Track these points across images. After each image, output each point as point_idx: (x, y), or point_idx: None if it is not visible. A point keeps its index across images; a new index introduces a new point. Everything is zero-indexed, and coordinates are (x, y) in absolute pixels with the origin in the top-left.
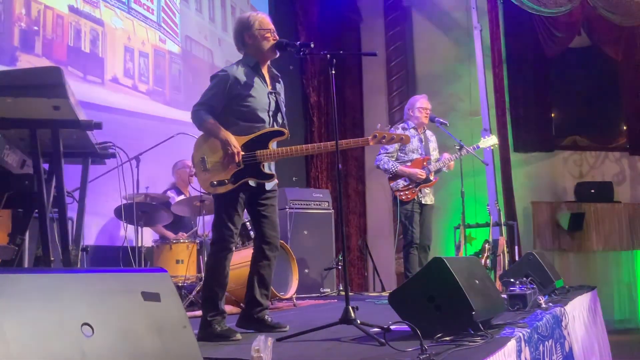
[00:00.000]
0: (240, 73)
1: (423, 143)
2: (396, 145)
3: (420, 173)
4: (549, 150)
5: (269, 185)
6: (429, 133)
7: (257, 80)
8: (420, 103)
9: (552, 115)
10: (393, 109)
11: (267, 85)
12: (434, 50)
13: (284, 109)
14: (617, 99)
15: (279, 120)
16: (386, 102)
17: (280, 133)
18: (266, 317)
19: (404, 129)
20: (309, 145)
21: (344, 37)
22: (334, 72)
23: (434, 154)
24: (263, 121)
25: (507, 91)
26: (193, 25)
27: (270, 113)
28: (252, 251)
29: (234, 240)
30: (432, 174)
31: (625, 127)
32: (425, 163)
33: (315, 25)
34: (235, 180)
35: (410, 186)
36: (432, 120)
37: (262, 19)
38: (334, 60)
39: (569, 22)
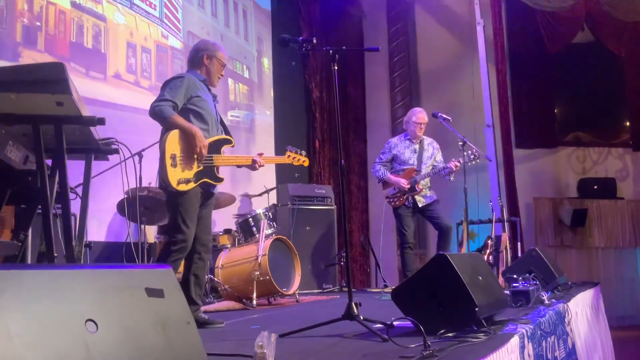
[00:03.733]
0: (196, 79)
1: (417, 154)
2: (389, 156)
3: (404, 183)
4: (551, 146)
5: (216, 189)
6: (427, 142)
7: (206, 89)
8: (416, 118)
9: (555, 111)
10: (396, 105)
11: (211, 97)
12: (436, 45)
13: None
14: (620, 94)
15: (221, 129)
16: (389, 98)
17: (229, 141)
18: (200, 314)
19: (400, 139)
20: (254, 156)
21: (347, 33)
22: (336, 67)
23: (428, 162)
24: (209, 125)
25: (509, 87)
26: (195, 21)
27: (216, 121)
28: (254, 247)
29: (191, 240)
30: (419, 184)
31: (628, 123)
32: (413, 174)
33: (318, 21)
34: (197, 179)
35: (398, 194)
36: (435, 116)
37: (224, 54)
38: (337, 55)
39: (572, 18)
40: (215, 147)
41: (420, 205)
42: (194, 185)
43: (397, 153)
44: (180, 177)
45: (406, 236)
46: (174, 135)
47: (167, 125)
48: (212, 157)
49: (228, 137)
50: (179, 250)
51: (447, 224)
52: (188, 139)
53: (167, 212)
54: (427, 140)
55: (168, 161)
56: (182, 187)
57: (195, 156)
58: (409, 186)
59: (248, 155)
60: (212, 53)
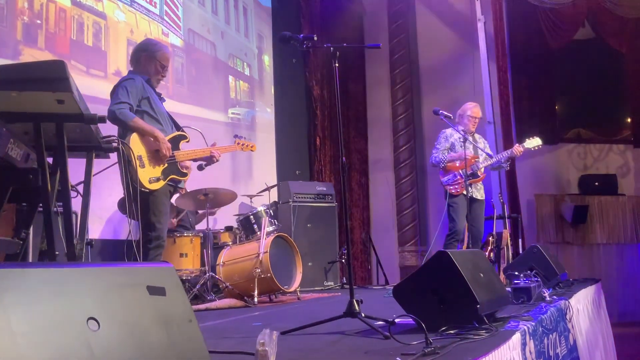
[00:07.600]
0: (141, 80)
1: (472, 144)
2: (447, 145)
3: (469, 155)
4: (552, 143)
5: (183, 184)
6: (477, 136)
7: (151, 89)
8: (471, 112)
9: (556, 107)
10: (396, 102)
11: (157, 96)
12: (437, 42)
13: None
14: (621, 91)
15: (173, 125)
16: (389, 95)
17: (185, 137)
18: None
19: (454, 130)
20: (210, 147)
21: (347, 30)
22: (337, 65)
23: (483, 153)
24: (162, 125)
25: (510, 83)
26: (196, 18)
27: (168, 118)
28: (255, 245)
29: (165, 235)
30: (480, 170)
31: (629, 120)
32: (474, 161)
33: (319, 18)
34: (165, 176)
35: (458, 179)
36: (435, 113)
37: (165, 54)
38: (337, 53)
39: (573, 14)
40: (174, 144)
41: (478, 197)
42: (164, 182)
43: (454, 142)
44: (150, 176)
45: (458, 227)
46: (135, 138)
47: (129, 129)
48: (173, 153)
49: (183, 132)
50: (156, 247)
51: (479, 234)
52: (148, 140)
53: (141, 213)
54: (477, 134)
55: (136, 163)
56: (154, 186)
57: (161, 157)
58: (469, 157)
59: (205, 148)
60: (152, 54)
